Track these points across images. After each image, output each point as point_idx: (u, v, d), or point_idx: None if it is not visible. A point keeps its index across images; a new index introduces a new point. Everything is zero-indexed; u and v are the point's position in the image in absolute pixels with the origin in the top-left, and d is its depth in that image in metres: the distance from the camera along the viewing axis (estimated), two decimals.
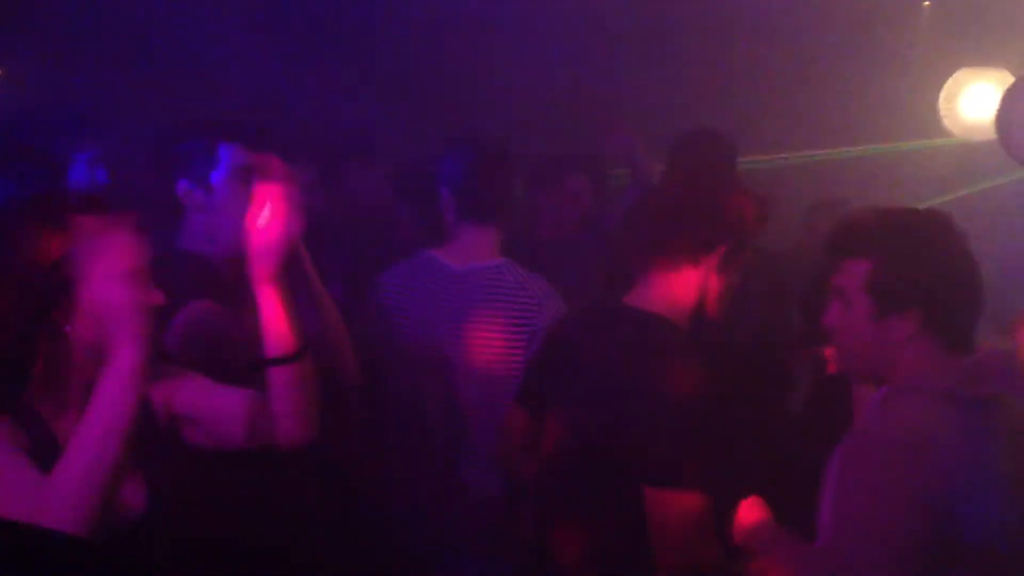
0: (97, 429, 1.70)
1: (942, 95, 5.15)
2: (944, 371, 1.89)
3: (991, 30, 5.17)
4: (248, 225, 2.04)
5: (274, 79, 4.94)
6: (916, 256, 1.93)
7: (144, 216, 2.35)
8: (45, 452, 1.80)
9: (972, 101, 5.09)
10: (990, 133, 4.82)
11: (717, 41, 5.15)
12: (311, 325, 2.33)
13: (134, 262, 1.81)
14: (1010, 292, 3.90)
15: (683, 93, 5.00)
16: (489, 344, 2.84)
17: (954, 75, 5.14)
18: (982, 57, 5.16)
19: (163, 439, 2.01)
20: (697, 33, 5.17)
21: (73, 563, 1.55)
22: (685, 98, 4.96)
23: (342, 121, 4.90)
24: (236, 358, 2.26)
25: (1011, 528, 1.82)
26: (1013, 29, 5.07)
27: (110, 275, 1.79)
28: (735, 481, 2.16)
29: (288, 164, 2.13)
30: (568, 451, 2.38)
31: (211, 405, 2.03)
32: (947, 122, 5.14)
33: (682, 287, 2.33)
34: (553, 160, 4.21)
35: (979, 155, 5.06)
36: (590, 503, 2.31)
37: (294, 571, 2.40)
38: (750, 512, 2.13)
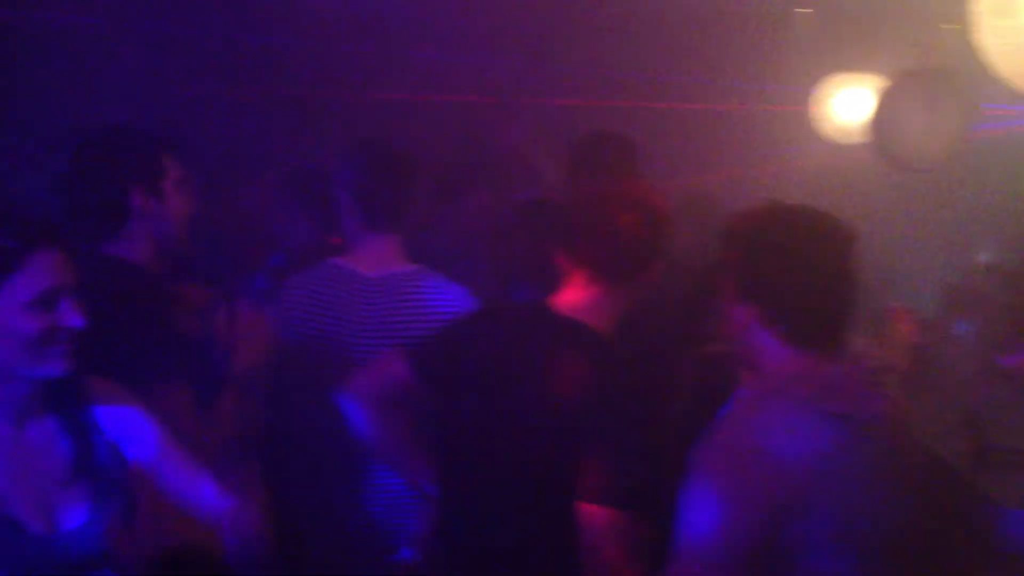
0: None
1: (815, 99, 5.32)
2: (804, 378, 1.91)
3: (863, 36, 5.35)
4: None
5: (163, 90, 4.83)
6: (767, 251, 1.94)
7: (81, 228, 2.42)
8: None
9: (845, 105, 5.28)
10: (863, 136, 5.01)
11: (597, 47, 5.21)
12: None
13: (49, 286, 1.80)
14: (880, 292, 4.07)
15: (564, 98, 5.06)
16: None
17: (826, 80, 5.32)
18: (855, 63, 5.35)
19: (108, 459, 1.98)
20: (576, 39, 5.23)
21: None
22: (566, 103, 5.02)
23: (230, 130, 4.82)
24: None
25: (857, 542, 1.86)
26: (884, 35, 5.26)
27: (17, 303, 1.78)
28: (657, 498, 2.15)
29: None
30: (463, 449, 2.35)
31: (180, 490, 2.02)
32: (821, 126, 5.32)
33: (614, 300, 2.34)
34: (453, 173, 4.19)
35: (852, 158, 5.24)
36: (498, 511, 2.28)
37: None
38: None
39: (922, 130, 4.55)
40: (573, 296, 2.33)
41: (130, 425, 2.00)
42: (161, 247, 2.55)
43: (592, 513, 2.16)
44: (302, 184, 3.95)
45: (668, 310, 2.76)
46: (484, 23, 5.15)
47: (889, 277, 4.70)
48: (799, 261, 1.91)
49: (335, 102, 5.14)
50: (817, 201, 2.04)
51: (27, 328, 1.79)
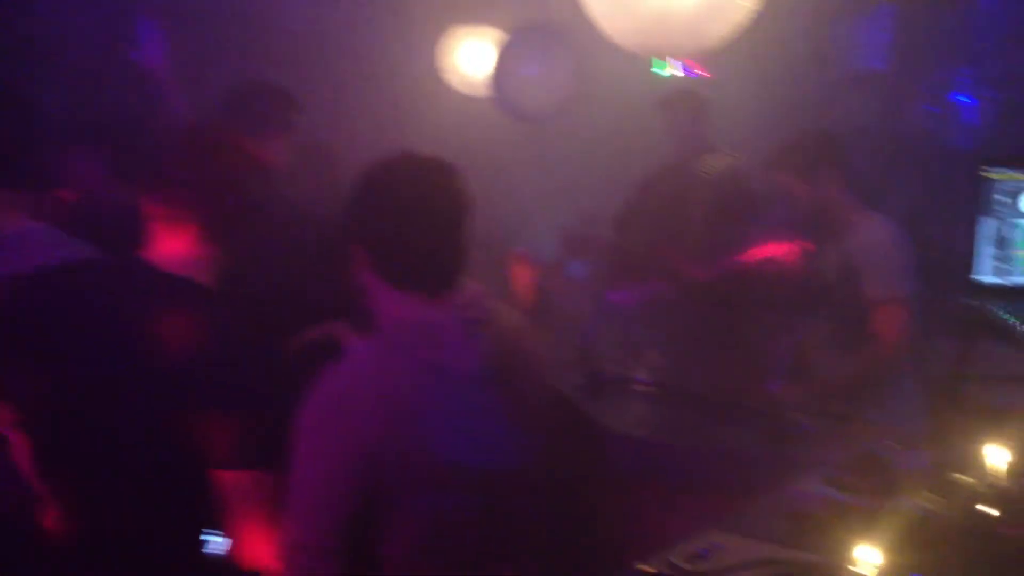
0: None
1: (441, 52, 5.43)
2: (409, 324, 1.95)
3: None
4: None
5: None
6: (373, 196, 1.97)
7: None
8: None
9: (469, 58, 5.42)
10: (486, 88, 5.19)
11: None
12: None
13: None
14: (503, 238, 4.26)
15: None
16: None
17: (449, 32, 5.43)
18: (478, 16, 5.50)
19: None
20: None
21: None
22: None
23: None
24: None
25: (459, 481, 1.92)
26: None
27: None
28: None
29: None
30: (48, 425, 2.16)
31: None
32: (447, 78, 5.44)
33: (213, 252, 2.21)
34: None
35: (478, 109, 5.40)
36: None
37: None
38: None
39: (536, 82, 4.80)
40: (170, 249, 2.20)
41: None
42: None
43: (228, 479, 2.07)
44: None
45: (287, 260, 2.72)
46: None
47: (511, 223, 4.93)
48: (402, 206, 1.94)
49: None
50: (442, 151, 2.08)
51: None
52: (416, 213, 1.93)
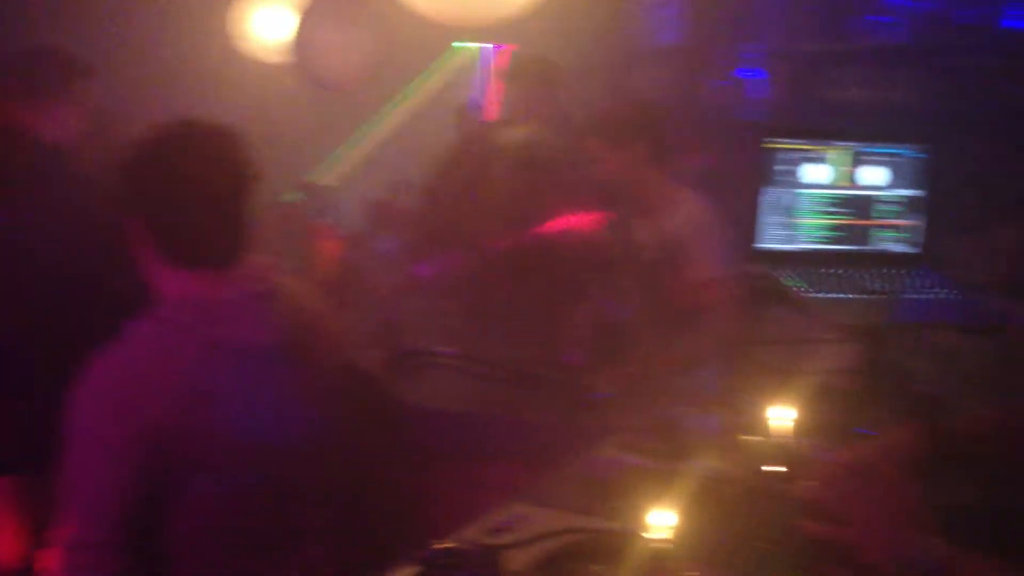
0: None
1: (234, 18, 5.23)
2: (191, 302, 1.86)
3: None
4: None
5: None
6: (149, 168, 1.86)
7: None
8: None
9: (266, 23, 5.25)
10: (285, 55, 5.04)
11: None
12: None
13: None
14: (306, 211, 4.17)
15: None
16: None
17: None
18: None
19: None
20: None
21: None
22: None
23: None
24: None
25: (245, 461, 1.87)
26: None
27: None
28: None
29: None
30: None
31: None
32: (241, 44, 5.25)
33: None
34: None
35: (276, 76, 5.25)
36: None
37: None
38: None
39: (339, 50, 4.68)
40: None
41: None
42: None
43: None
44: None
45: (67, 238, 2.56)
46: None
47: (314, 196, 4.83)
48: (180, 179, 1.84)
49: None
50: (235, 120, 1.97)
51: None
52: (193, 185, 1.83)
